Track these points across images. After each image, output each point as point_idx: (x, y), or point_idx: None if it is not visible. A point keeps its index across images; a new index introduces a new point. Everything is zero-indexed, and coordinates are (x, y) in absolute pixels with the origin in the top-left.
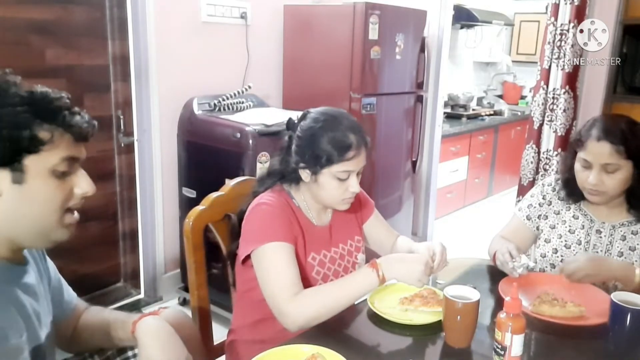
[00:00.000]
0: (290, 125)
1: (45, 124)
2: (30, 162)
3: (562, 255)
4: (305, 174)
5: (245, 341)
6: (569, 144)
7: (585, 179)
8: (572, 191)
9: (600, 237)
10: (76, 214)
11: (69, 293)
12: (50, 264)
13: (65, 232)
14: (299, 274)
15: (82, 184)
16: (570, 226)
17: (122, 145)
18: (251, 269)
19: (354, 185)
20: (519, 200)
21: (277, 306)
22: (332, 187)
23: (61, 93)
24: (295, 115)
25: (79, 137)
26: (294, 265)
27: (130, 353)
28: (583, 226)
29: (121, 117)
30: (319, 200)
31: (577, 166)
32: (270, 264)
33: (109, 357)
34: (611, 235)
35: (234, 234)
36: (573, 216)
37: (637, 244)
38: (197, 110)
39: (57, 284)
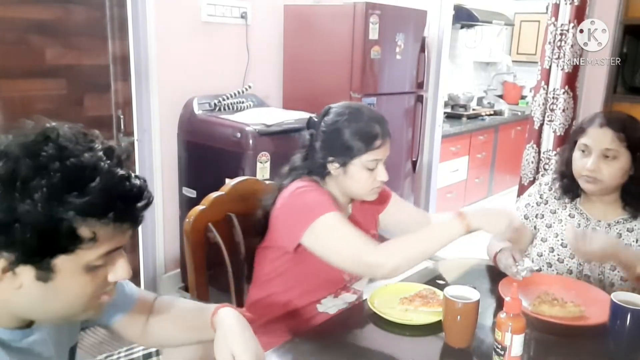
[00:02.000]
0: (311, 123)
1: (92, 220)
2: (62, 262)
3: (558, 254)
4: (334, 167)
5: None
6: (570, 135)
7: (583, 165)
8: (566, 185)
9: None
10: (107, 296)
11: (130, 286)
12: None
13: (93, 313)
14: None
15: (118, 271)
16: (566, 225)
17: (123, 145)
18: (278, 259)
19: (381, 174)
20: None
21: (362, 260)
22: (362, 177)
23: (133, 175)
24: (297, 115)
25: (131, 227)
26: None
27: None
28: (579, 224)
29: (121, 117)
30: (348, 192)
31: (576, 154)
32: (337, 229)
33: None
34: (607, 233)
35: (259, 229)
36: (569, 215)
37: (633, 241)
38: (197, 110)
39: None
